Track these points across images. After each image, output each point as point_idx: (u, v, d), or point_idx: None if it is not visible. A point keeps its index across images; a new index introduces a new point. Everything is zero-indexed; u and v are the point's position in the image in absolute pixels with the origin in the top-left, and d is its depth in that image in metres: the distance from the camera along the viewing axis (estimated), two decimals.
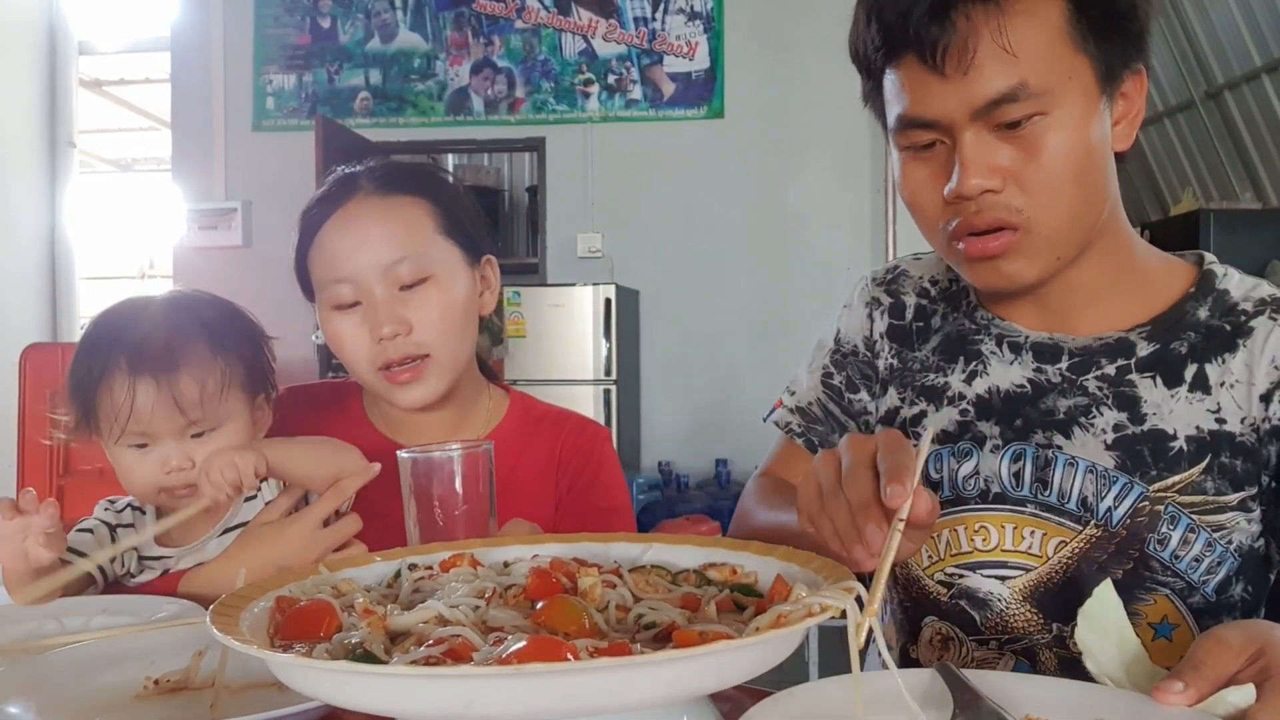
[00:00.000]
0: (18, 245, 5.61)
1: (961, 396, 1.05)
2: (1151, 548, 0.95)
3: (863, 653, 0.60)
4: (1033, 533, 0.99)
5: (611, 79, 5.27)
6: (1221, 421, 0.95)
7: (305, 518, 1.10)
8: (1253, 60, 4.59)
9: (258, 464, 1.08)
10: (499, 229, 6.35)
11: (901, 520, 0.69)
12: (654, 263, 5.19)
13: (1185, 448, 0.95)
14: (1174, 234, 4.47)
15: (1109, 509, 0.96)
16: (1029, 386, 1.02)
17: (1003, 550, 1.00)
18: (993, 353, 1.05)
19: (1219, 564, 0.94)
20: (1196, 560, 0.94)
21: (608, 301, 4.65)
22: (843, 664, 0.62)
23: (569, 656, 0.52)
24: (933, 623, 1.04)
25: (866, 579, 0.66)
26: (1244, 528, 0.94)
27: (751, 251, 5.17)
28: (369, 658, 0.58)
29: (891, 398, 1.11)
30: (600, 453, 1.35)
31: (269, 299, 1.52)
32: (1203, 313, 0.98)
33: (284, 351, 1.28)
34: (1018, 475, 1.00)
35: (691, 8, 5.21)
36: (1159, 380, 0.97)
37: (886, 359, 1.13)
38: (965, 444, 1.03)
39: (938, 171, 0.94)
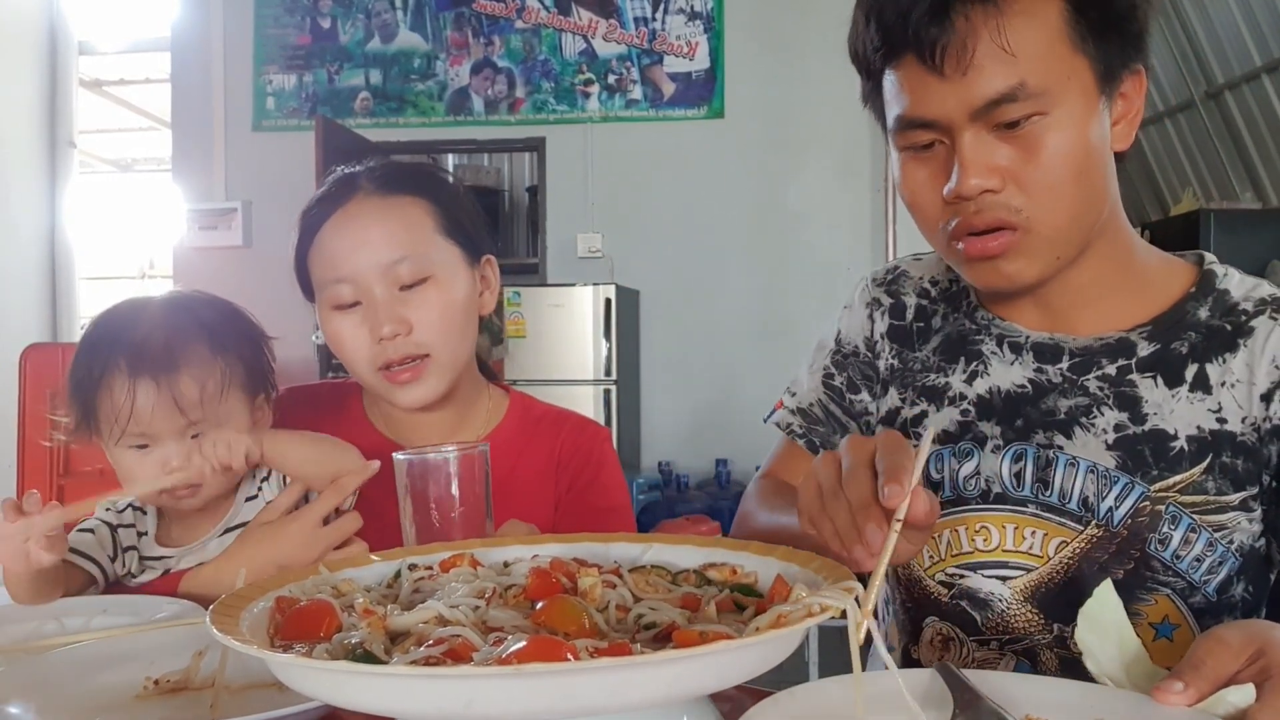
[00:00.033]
0: (18, 245, 5.61)
1: (962, 397, 1.05)
2: (1153, 548, 0.95)
3: (863, 652, 0.60)
4: (1034, 533, 0.99)
5: (611, 79, 5.27)
6: (1222, 421, 0.95)
7: (304, 516, 1.10)
8: (1253, 60, 4.59)
9: (251, 449, 1.08)
10: (499, 229, 6.35)
11: (899, 521, 0.69)
12: (654, 263, 5.19)
13: (1186, 447, 0.95)
14: (1174, 234, 4.47)
15: (1110, 509, 0.96)
16: (1030, 387, 1.02)
17: (1004, 550, 1.00)
18: (993, 353, 1.05)
19: (1220, 564, 0.94)
20: (1198, 560, 0.94)
21: (608, 301, 4.65)
22: (843, 664, 0.62)
23: (569, 656, 0.52)
24: (934, 623, 1.04)
25: (866, 579, 0.66)
26: (1245, 527, 0.94)
27: (751, 251, 5.17)
28: (369, 658, 0.58)
29: (892, 398, 1.11)
30: (600, 452, 1.35)
31: (269, 299, 1.52)
32: (1203, 313, 0.98)
33: (284, 351, 1.28)
34: (1019, 475, 1.00)
35: (691, 8, 5.21)
36: (1160, 380, 0.97)
37: (887, 359, 1.13)
38: (966, 444, 1.03)
39: (937, 172, 0.94)
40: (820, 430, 1.17)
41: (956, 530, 1.02)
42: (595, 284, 4.70)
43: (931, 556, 1.04)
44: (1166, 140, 5.44)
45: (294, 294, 1.30)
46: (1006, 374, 1.03)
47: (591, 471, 1.33)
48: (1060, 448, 0.98)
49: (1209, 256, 1.03)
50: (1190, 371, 0.96)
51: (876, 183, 5.07)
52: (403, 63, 5.39)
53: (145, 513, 1.20)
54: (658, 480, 4.85)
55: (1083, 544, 0.97)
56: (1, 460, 3.46)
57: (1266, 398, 0.94)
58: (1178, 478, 0.94)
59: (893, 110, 0.95)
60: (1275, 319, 0.96)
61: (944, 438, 1.05)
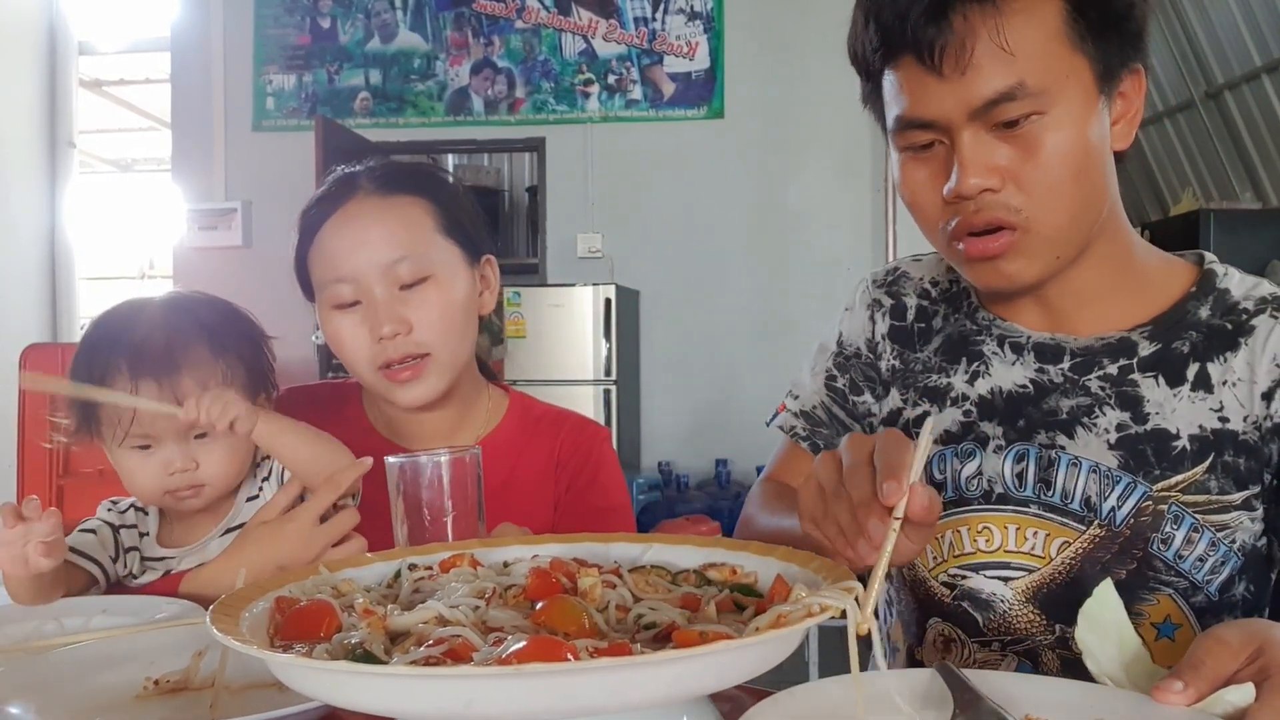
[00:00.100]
0: (18, 245, 5.61)
1: (964, 397, 1.05)
2: (1155, 547, 0.95)
3: (863, 653, 0.60)
4: (1036, 533, 0.99)
5: (611, 79, 5.27)
6: (1224, 420, 0.95)
7: (301, 514, 1.10)
8: (1253, 60, 4.59)
9: (244, 417, 1.08)
10: (499, 229, 6.35)
11: (898, 519, 0.69)
12: (654, 263, 5.19)
13: (1188, 447, 0.95)
14: (1174, 234, 4.46)
15: (1112, 509, 0.96)
16: (1031, 387, 1.02)
17: (1005, 551, 1.00)
18: (994, 353, 1.05)
19: (1222, 563, 0.94)
20: (1200, 560, 0.94)
21: (608, 301, 4.65)
22: (843, 664, 0.62)
23: (569, 656, 0.52)
24: (937, 624, 1.04)
25: (867, 579, 0.66)
26: (1247, 526, 0.94)
27: (751, 251, 5.17)
28: (369, 658, 0.58)
29: (894, 399, 1.11)
30: (599, 452, 1.35)
31: (269, 299, 1.52)
32: (1204, 312, 0.98)
33: (284, 351, 1.28)
34: (1020, 476, 1.00)
35: (691, 8, 5.21)
36: (1161, 380, 0.97)
37: (888, 360, 1.13)
38: (968, 444, 1.03)
39: (937, 171, 0.94)
40: (823, 433, 1.17)
41: (958, 531, 1.02)
42: (595, 284, 4.70)
43: (935, 557, 1.04)
44: (1166, 140, 5.44)
45: (294, 294, 1.30)
46: (1008, 374, 1.03)
47: (591, 471, 1.33)
48: (1062, 448, 0.98)
49: (1209, 256, 1.03)
50: (1191, 371, 0.96)
51: (876, 183, 5.07)
52: (403, 63, 5.39)
53: (147, 513, 1.20)
54: (658, 480, 4.85)
55: (1085, 544, 0.97)
56: (1, 461, 3.47)
57: (1267, 396, 0.94)
58: (1180, 477, 0.94)
59: (892, 111, 0.95)
60: (1275, 317, 0.96)
61: (946, 438, 1.05)
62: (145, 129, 7.80)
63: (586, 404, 4.55)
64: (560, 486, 1.33)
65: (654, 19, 5.23)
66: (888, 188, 4.90)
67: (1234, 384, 0.95)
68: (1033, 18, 0.88)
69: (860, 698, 0.62)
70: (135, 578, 1.16)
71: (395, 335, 1.18)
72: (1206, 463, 0.94)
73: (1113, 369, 0.99)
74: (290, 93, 5.44)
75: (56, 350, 3.21)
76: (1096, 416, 0.98)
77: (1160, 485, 0.95)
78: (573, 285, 4.75)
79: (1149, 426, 0.96)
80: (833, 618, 0.58)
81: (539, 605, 0.63)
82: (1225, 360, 0.96)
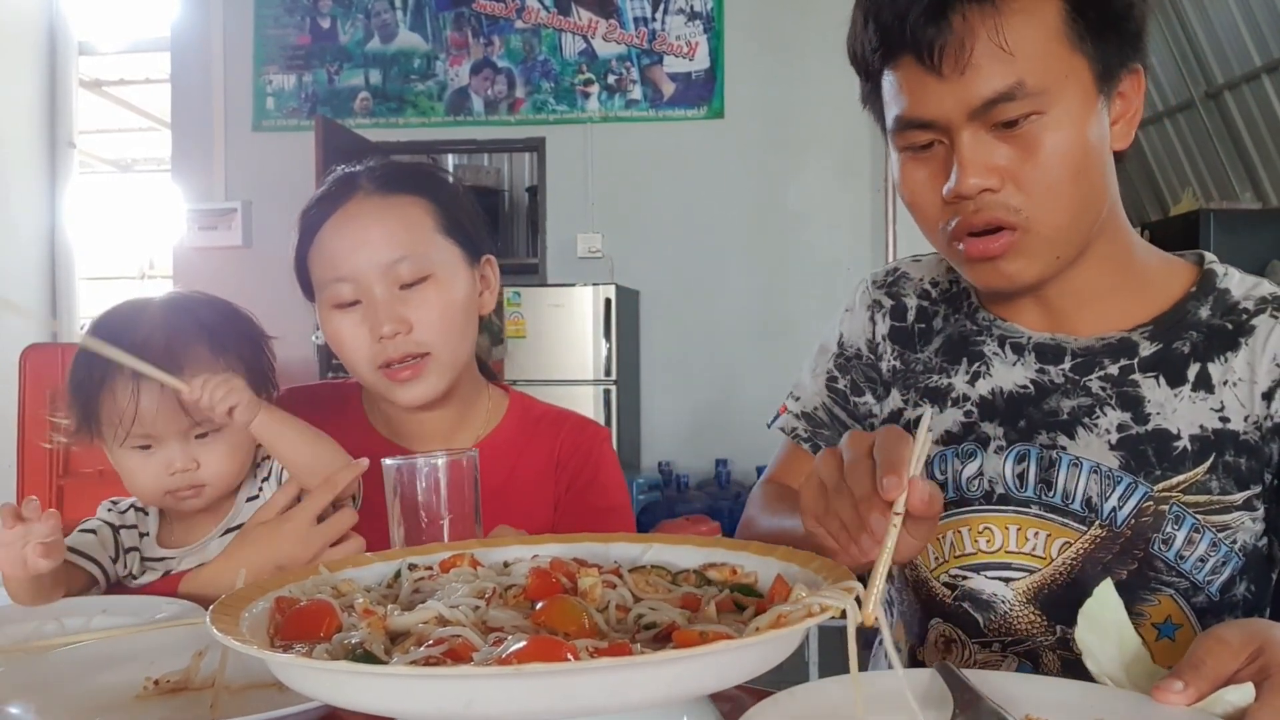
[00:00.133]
0: (18, 245, 5.61)
1: (965, 398, 1.05)
2: (1156, 548, 0.95)
3: (866, 652, 0.60)
4: (1036, 534, 0.98)
5: (611, 79, 5.27)
6: (1225, 420, 0.95)
7: (299, 514, 1.10)
8: (1253, 60, 4.59)
9: (246, 406, 1.07)
10: (499, 229, 6.35)
11: (898, 514, 0.69)
12: (654, 263, 5.19)
13: (1189, 447, 0.95)
14: (1174, 234, 4.46)
15: (1113, 509, 0.96)
16: (1032, 387, 1.02)
17: (1006, 552, 1.00)
18: (995, 354, 1.05)
19: (1224, 564, 0.94)
20: (1201, 560, 0.94)
21: (608, 301, 4.65)
22: (843, 664, 0.62)
23: (569, 656, 0.52)
24: (938, 625, 1.04)
25: (868, 578, 0.66)
26: (1248, 527, 0.94)
27: (751, 251, 5.17)
28: (369, 658, 0.58)
29: (895, 399, 1.11)
30: (599, 452, 1.35)
31: (269, 299, 1.52)
32: (1204, 312, 0.98)
33: (284, 352, 1.28)
34: (1022, 476, 1.00)
35: (691, 8, 5.21)
36: (1162, 380, 0.97)
37: (889, 361, 1.13)
38: (969, 445, 1.03)
39: (936, 172, 0.94)
40: (825, 434, 1.17)
41: (959, 532, 1.02)
42: (595, 284, 4.70)
43: (936, 558, 1.04)
44: (1166, 140, 5.44)
45: (294, 294, 1.30)
46: (1009, 375, 1.03)
47: (591, 471, 1.33)
48: (1063, 448, 0.98)
49: (1209, 256, 1.03)
50: (1192, 371, 0.96)
51: (876, 183, 5.07)
52: (403, 63, 5.39)
53: (147, 513, 1.20)
54: (658, 480, 4.85)
55: (1086, 545, 0.96)
56: (1, 461, 3.46)
57: (1268, 396, 0.94)
58: (1181, 477, 0.94)
59: (891, 111, 0.95)
60: (1276, 317, 0.96)
61: (947, 439, 1.05)
62: (145, 129, 7.79)
63: (586, 404, 4.55)
64: (560, 486, 1.33)
65: (654, 19, 5.23)
66: (888, 188, 4.90)
67: (1234, 384, 0.95)
68: (1032, 17, 0.88)
69: (860, 698, 0.62)
70: (135, 578, 1.16)
71: (395, 335, 1.18)
72: (1207, 463, 0.94)
73: (1113, 369, 0.99)
74: (290, 93, 5.44)
75: (56, 350, 3.21)
76: (1097, 417, 0.98)
77: (1161, 485, 0.95)
78: (573, 285, 4.75)
79: (1150, 427, 0.96)
80: (833, 618, 0.58)
81: (539, 605, 0.63)
82: (1226, 360, 0.96)
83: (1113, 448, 0.97)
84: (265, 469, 1.21)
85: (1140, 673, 0.70)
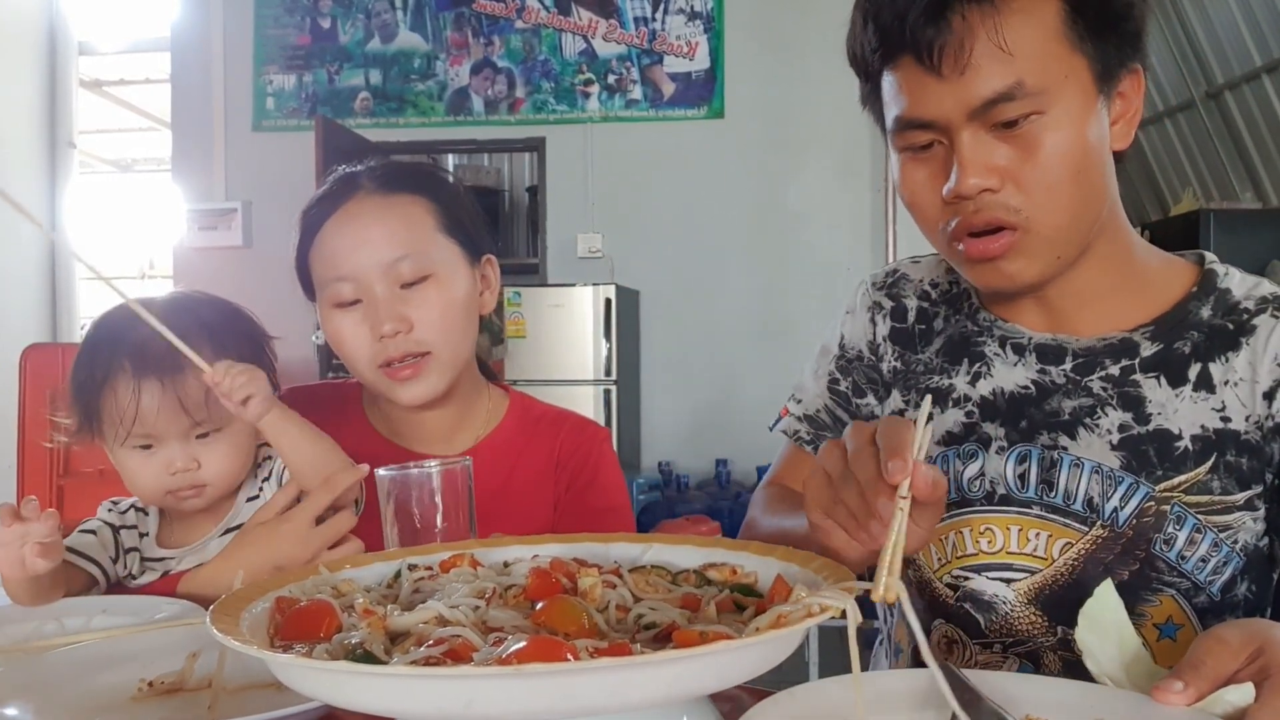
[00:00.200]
0: (18, 245, 5.61)
1: (966, 398, 1.05)
2: (1158, 548, 0.94)
3: (866, 652, 0.60)
4: (1038, 534, 0.98)
5: (611, 79, 5.27)
6: (1226, 420, 0.95)
7: (298, 516, 1.10)
8: (1253, 60, 4.59)
9: (261, 400, 1.07)
10: (499, 229, 6.35)
11: (905, 498, 0.69)
12: (654, 263, 5.19)
13: (1191, 447, 0.95)
14: (1174, 234, 4.46)
15: (1115, 509, 0.95)
16: (1033, 388, 1.02)
17: (1008, 553, 1.00)
18: (996, 354, 1.05)
19: (1225, 564, 0.94)
20: (1203, 560, 0.94)
21: (608, 301, 4.65)
22: (843, 664, 0.62)
23: (569, 656, 0.52)
24: (940, 625, 1.04)
25: (870, 576, 0.66)
26: (1250, 527, 0.94)
27: (751, 251, 5.17)
28: (369, 658, 0.58)
29: (895, 400, 1.11)
30: (599, 453, 1.35)
31: (269, 299, 1.52)
32: (1205, 312, 0.98)
33: (284, 352, 1.28)
34: (1023, 477, 1.00)
35: (691, 8, 5.21)
36: (1163, 380, 0.97)
37: (890, 362, 1.13)
38: (970, 445, 1.03)
39: (936, 172, 0.94)
40: (827, 436, 1.17)
41: (961, 532, 1.02)
42: (595, 284, 4.70)
43: (939, 559, 1.03)
44: (1166, 140, 5.44)
45: (294, 294, 1.30)
46: (1009, 375, 1.03)
47: (590, 472, 1.33)
48: (1064, 448, 0.98)
49: (1209, 256, 1.03)
50: (1193, 371, 0.96)
51: (876, 183, 5.08)
52: (403, 63, 5.39)
53: (147, 513, 1.20)
54: (658, 480, 4.85)
55: (1087, 545, 0.96)
56: (1, 461, 3.47)
57: (1269, 396, 0.94)
58: (1183, 477, 0.94)
59: (891, 111, 0.95)
60: (1277, 317, 0.96)
61: (948, 439, 1.05)
62: (145, 129, 7.80)
63: (586, 404, 4.55)
64: (560, 487, 1.33)
65: (654, 19, 5.23)
66: (888, 188, 4.90)
67: (1235, 384, 0.95)
68: (1031, 17, 0.88)
69: (860, 698, 0.62)
70: (135, 578, 1.16)
71: (396, 334, 1.18)
72: (1209, 463, 0.94)
73: (1114, 369, 0.99)
74: (290, 93, 5.45)
75: (57, 350, 3.21)
76: (1099, 417, 0.98)
77: (1163, 486, 0.95)
78: (573, 285, 4.75)
79: (1151, 427, 0.96)
80: (833, 618, 0.58)
81: (539, 605, 0.63)
82: (1227, 360, 0.96)
83: (1114, 448, 0.97)
84: (266, 469, 1.21)
85: (1140, 673, 0.70)
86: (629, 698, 0.52)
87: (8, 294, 5.51)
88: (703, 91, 5.21)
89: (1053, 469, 0.98)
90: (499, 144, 5.46)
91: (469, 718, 0.51)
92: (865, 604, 0.61)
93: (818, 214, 5.13)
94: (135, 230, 7.87)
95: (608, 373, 4.65)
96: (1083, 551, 0.97)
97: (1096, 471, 0.96)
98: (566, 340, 4.65)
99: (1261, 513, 0.94)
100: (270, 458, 1.21)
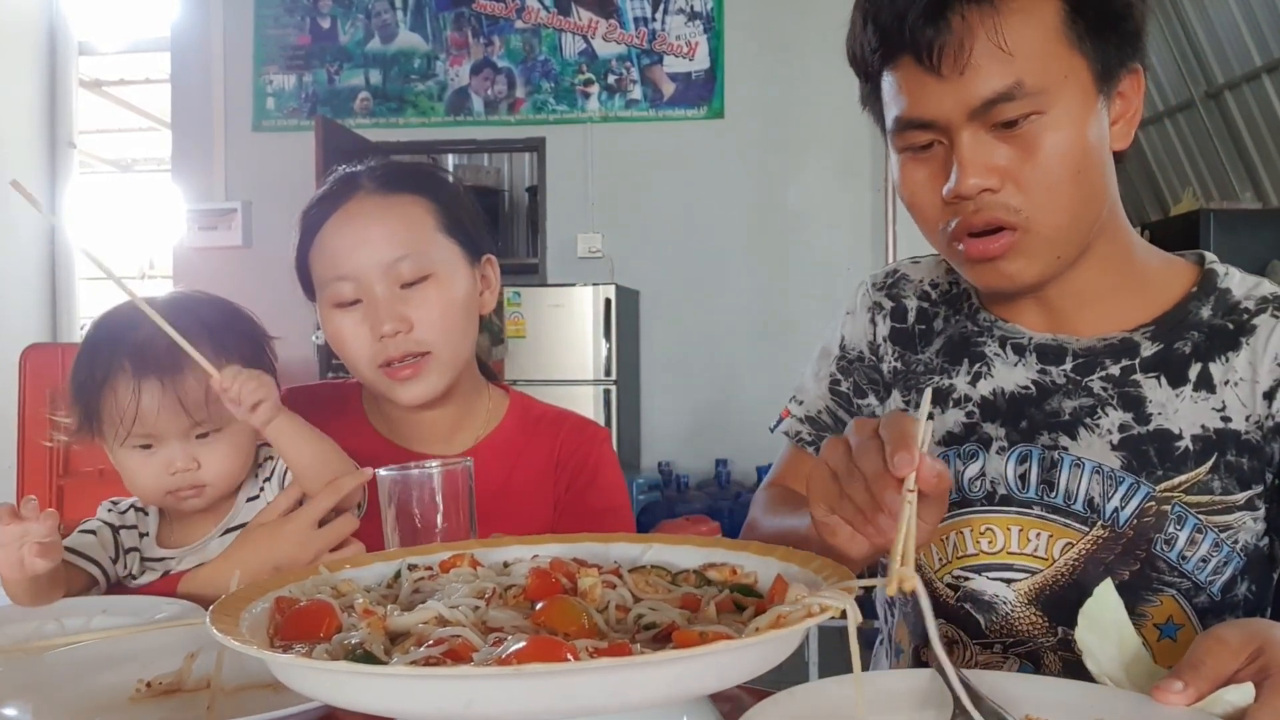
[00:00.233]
0: (18, 245, 5.61)
1: (967, 398, 1.05)
2: (1158, 548, 0.94)
3: (866, 652, 0.60)
4: (1039, 535, 0.98)
5: (611, 79, 5.27)
6: (1227, 420, 0.95)
7: (300, 517, 1.10)
8: (1253, 60, 4.59)
9: (268, 407, 1.07)
10: (499, 229, 6.35)
11: (912, 491, 0.69)
12: (654, 263, 5.19)
13: (1191, 447, 0.95)
14: (1174, 234, 4.46)
15: (1116, 509, 0.95)
16: (1034, 388, 1.02)
17: (1008, 553, 1.00)
18: (996, 354, 1.05)
19: (1225, 564, 0.94)
20: (1204, 560, 0.94)
21: (608, 301, 4.65)
22: (843, 664, 0.62)
23: (569, 656, 0.52)
24: (941, 625, 1.04)
25: (872, 574, 0.66)
26: (1250, 526, 0.94)
27: (751, 251, 5.17)
28: (369, 658, 0.58)
29: (896, 400, 1.11)
30: (599, 453, 1.35)
31: (269, 299, 1.52)
32: (1205, 312, 0.98)
33: (284, 352, 1.28)
34: (1023, 477, 1.00)
35: (691, 8, 5.21)
36: (1164, 380, 0.97)
37: (890, 362, 1.13)
38: (971, 445, 1.03)
39: (936, 172, 0.94)
40: (829, 437, 1.17)
41: (962, 533, 1.02)
42: (595, 284, 4.70)
43: (940, 559, 1.03)
44: (1166, 140, 5.44)
45: (294, 294, 1.30)
46: (1010, 375, 1.03)
47: (590, 472, 1.33)
48: (1065, 449, 0.98)
49: (1209, 256, 1.03)
50: (1194, 371, 0.96)
51: (876, 183, 5.08)
52: (403, 63, 5.39)
53: (147, 513, 1.20)
54: (658, 480, 4.85)
55: (1088, 545, 0.96)
56: (1, 461, 3.47)
57: (1269, 395, 0.94)
58: (1183, 477, 0.94)
59: (891, 111, 0.95)
60: (1277, 317, 0.96)
61: (949, 439, 1.05)
62: (145, 129, 7.80)
63: (586, 404, 4.55)
64: (560, 487, 1.33)
65: (654, 19, 5.23)
66: (888, 188, 4.91)
67: (1236, 384, 0.95)
68: (1031, 17, 0.88)
69: (860, 698, 0.62)
70: (135, 578, 1.16)
71: (396, 333, 1.18)
72: (1209, 463, 0.94)
73: (1115, 370, 0.99)
74: (290, 93, 5.45)
75: (57, 350, 3.21)
76: (1099, 417, 0.98)
77: (1163, 486, 0.95)
78: (573, 285, 4.75)
79: (1152, 427, 0.96)
80: (833, 618, 0.58)
81: (539, 605, 0.63)
82: (1227, 360, 0.96)
83: (1115, 448, 0.97)
84: (267, 469, 1.21)
85: (1140, 673, 0.70)
86: (629, 698, 0.52)
87: (8, 294, 5.51)
88: (703, 91, 5.21)
89: (1053, 469, 0.98)
90: (499, 144, 5.46)
91: (469, 718, 0.51)
92: (865, 604, 0.61)
93: (818, 214, 5.13)
94: (135, 230, 7.87)
95: (607, 373, 4.65)
96: (1083, 552, 0.97)
97: (1097, 472, 0.96)
98: (566, 340, 4.65)
99: (1262, 512, 0.94)
100: (271, 458, 1.21)
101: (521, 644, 0.53)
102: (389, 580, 0.77)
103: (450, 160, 6.18)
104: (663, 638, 0.61)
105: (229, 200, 5.41)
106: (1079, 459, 0.97)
